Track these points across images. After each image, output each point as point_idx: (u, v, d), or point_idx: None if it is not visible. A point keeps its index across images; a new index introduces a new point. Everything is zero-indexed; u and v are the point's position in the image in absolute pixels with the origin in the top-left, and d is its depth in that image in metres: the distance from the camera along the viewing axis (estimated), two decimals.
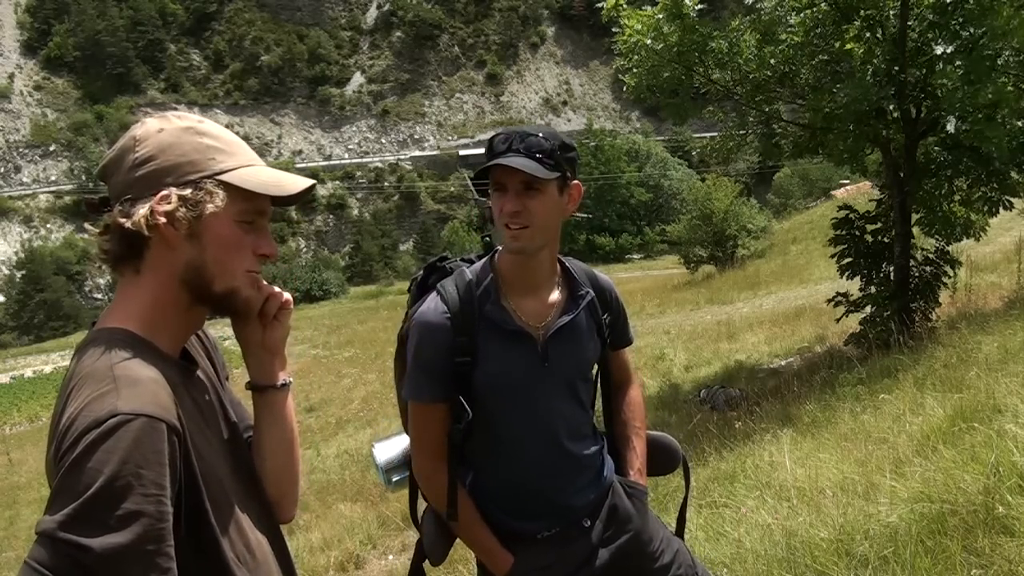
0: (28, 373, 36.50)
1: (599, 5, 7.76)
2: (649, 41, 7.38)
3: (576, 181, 1.74)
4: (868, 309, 7.91)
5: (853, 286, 8.32)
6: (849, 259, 8.15)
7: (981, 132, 6.19)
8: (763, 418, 5.71)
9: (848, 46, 6.85)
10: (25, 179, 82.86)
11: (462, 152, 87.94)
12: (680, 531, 2.03)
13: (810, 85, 7.59)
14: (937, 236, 7.81)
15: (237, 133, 1.27)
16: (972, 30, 6.27)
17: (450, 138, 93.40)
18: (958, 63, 6.15)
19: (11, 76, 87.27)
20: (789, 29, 7.56)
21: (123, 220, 1.14)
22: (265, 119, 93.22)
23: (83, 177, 78.83)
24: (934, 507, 2.63)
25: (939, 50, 6.27)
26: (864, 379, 5.81)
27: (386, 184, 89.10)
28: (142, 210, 1.13)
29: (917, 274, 7.78)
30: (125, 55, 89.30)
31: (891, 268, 7.76)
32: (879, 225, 8.07)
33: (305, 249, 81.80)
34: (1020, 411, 3.27)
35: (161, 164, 1.16)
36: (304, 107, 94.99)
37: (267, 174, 1.24)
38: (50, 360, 38.94)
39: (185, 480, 1.08)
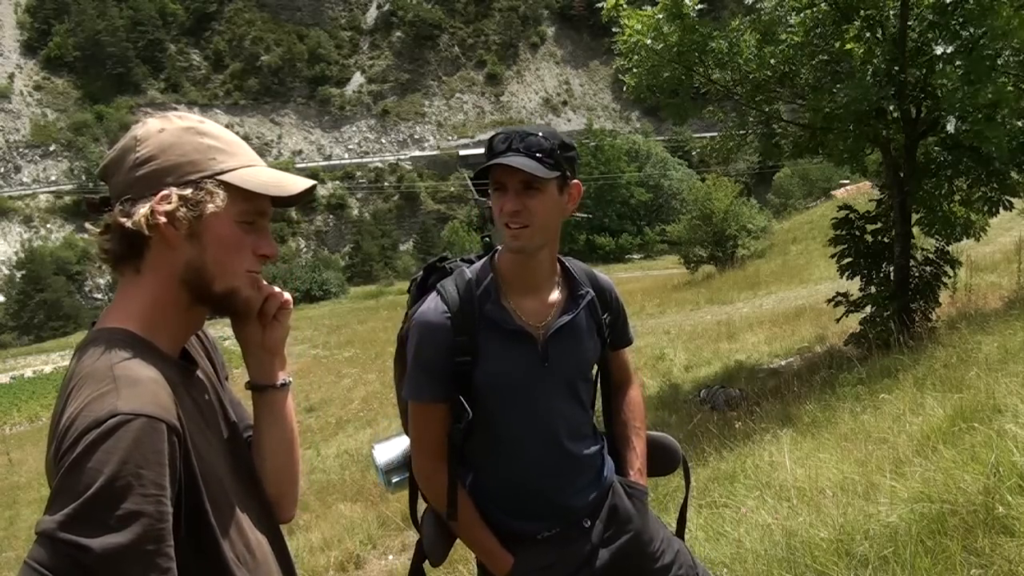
0: (28, 373, 36.49)
1: (599, 5, 7.76)
2: (649, 41, 7.38)
3: (576, 180, 1.74)
4: (868, 309, 7.91)
5: (853, 286, 8.32)
6: (849, 259, 8.15)
7: (981, 132, 6.19)
8: (763, 418, 5.70)
9: (848, 46, 6.85)
10: (25, 179, 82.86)
11: (462, 152, 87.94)
12: (680, 531, 2.03)
13: (810, 85, 7.60)
14: (937, 236, 7.81)
15: (237, 133, 1.27)
16: (972, 30, 6.27)
17: (450, 138, 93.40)
18: (958, 63, 6.15)
19: (11, 76, 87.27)
20: (789, 29, 7.56)
21: (123, 220, 1.14)
22: (265, 119, 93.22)
23: (83, 177, 78.83)
24: (934, 507, 2.63)
25: (939, 50, 6.26)
26: (864, 379, 5.81)
27: (386, 184, 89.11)
28: (143, 210, 1.13)
29: (917, 274, 7.78)
30: (125, 55, 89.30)
31: (891, 268, 7.76)
32: (879, 225, 8.07)
33: (305, 249, 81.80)
34: (1020, 411, 3.27)
35: (162, 164, 1.16)
36: (304, 107, 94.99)
37: (268, 174, 1.24)
38: (50, 360, 38.93)
39: (185, 480, 1.08)
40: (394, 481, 1.96)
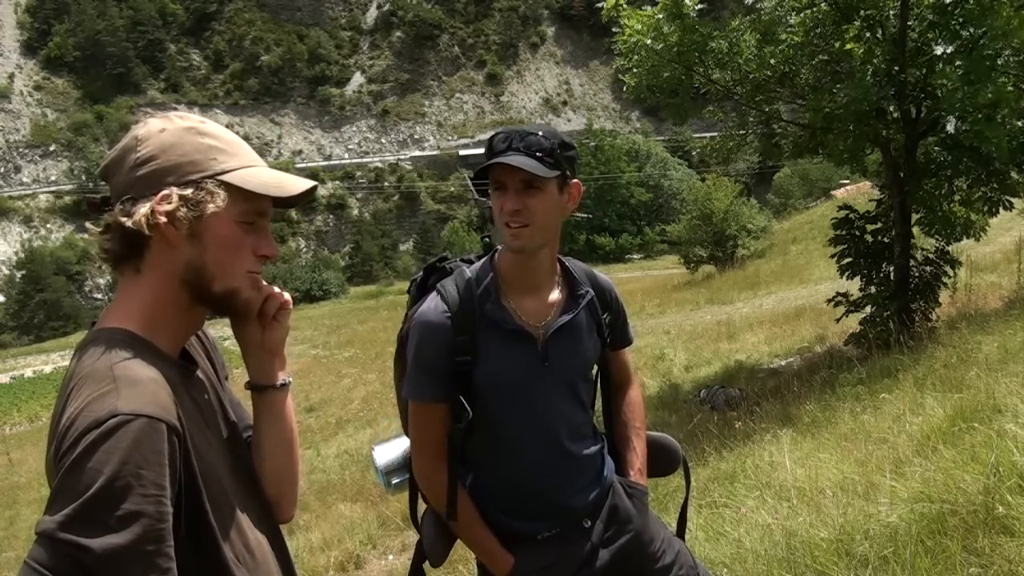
0: (28, 373, 36.49)
1: (599, 5, 7.76)
2: (649, 41, 7.38)
3: (576, 180, 1.74)
4: (868, 309, 7.91)
5: (853, 286, 8.32)
6: (849, 259, 8.15)
7: (981, 132, 6.19)
8: (763, 418, 5.70)
9: (848, 46, 6.85)
10: (25, 179, 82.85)
11: (462, 152, 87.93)
12: (681, 532, 2.03)
13: (810, 85, 7.60)
14: (937, 236, 7.81)
15: (237, 133, 1.27)
16: (972, 30, 6.27)
17: (450, 138, 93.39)
18: (958, 63, 6.15)
19: (11, 76, 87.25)
20: (789, 29, 7.57)
21: (124, 219, 1.14)
22: (265, 119, 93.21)
23: (83, 177, 78.81)
24: (934, 507, 2.63)
25: (939, 50, 6.26)
26: (864, 379, 5.81)
27: (386, 184, 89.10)
28: (143, 209, 1.13)
29: (917, 274, 7.78)
30: (125, 55, 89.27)
31: (891, 268, 7.76)
32: (879, 225, 8.07)
33: (305, 249, 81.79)
34: (1020, 411, 3.27)
35: (162, 164, 1.16)
36: (304, 107, 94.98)
37: (268, 175, 1.24)
38: (50, 360, 38.93)
39: (185, 480, 1.08)
40: (394, 482, 1.96)
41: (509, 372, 1.72)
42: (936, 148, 7.54)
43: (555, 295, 1.80)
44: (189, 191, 1.16)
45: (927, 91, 6.90)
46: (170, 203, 1.14)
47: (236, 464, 1.27)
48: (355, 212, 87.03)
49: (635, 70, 7.76)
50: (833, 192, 37.35)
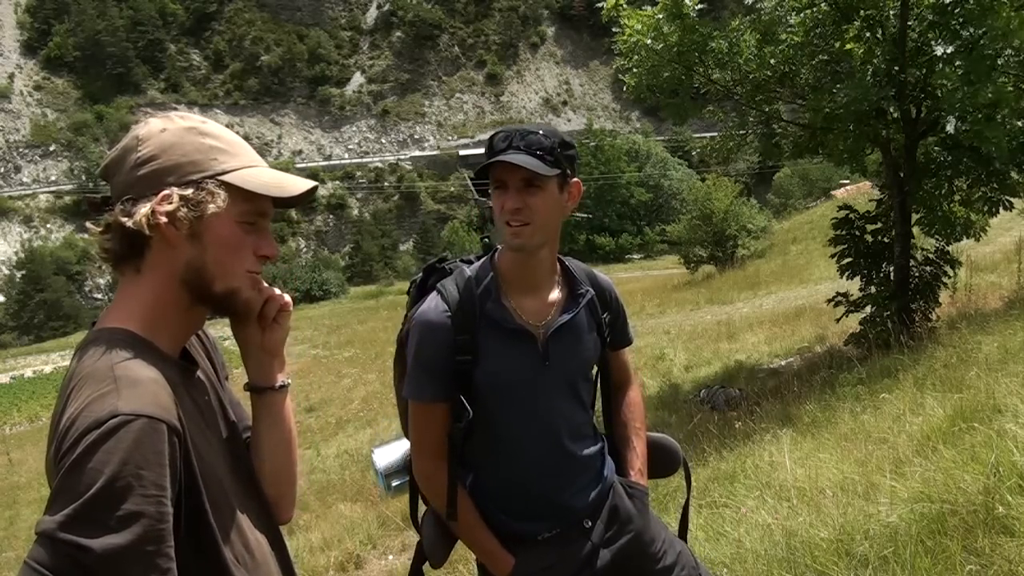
0: (28, 373, 36.50)
1: (599, 5, 7.77)
2: (649, 41, 7.38)
3: (576, 179, 1.74)
4: (868, 309, 7.91)
5: (853, 286, 8.32)
6: (849, 259, 8.15)
7: (981, 132, 6.19)
8: (763, 418, 5.71)
9: (848, 46, 6.86)
10: (25, 179, 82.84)
11: (462, 152, 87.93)
12: (683, 533, 2.03)
13: (810, 85, 7.60)
14: (937, 236, 7.81)
15: (237, 133, 1.27)
16: (972, 30, 6.27)
17: (450, 138, 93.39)
18: (958, 63, 6.15)
19: (11, 76, 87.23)
20: (789, 29, 7.57)
21: (124, 219, 1.14)
22: (265, 119, 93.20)
23: (83, 177, 78.79)
24: (934, 507, 2.63)
25: (939, 50, 6.26)
26: (864, 379, 5.81)
27: (386, 184, 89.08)
28: (143, 209, 1.13)
29: (917, 274, 7.78)
30: (125, 55, 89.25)
31: (891, 268, 7.76)
32: (879, 225, 8.07)
33: (305, 249, 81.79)
34: (1020, 411, 3.27)
35: (163, 164, 1.16)
36: (304, 107, 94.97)
37: (269, 175, 1.24)
38: (50, 360, 38.95)
39: (185, 481, 1.08)
40: (394, 485, 1.96)
41: (509, 371, 1.72)
42: (936, 148, 7.54)
43: (555, 294, 1.79)
44: (190, 191, 1.16)
45: (927, 91, 6.90)
46: (171, 203, 1.14)
47: (236, 464, 1.27)
48: (355, 212, 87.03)
49: (635, 70, 7.76)
50: (833, 192, 37.35)
